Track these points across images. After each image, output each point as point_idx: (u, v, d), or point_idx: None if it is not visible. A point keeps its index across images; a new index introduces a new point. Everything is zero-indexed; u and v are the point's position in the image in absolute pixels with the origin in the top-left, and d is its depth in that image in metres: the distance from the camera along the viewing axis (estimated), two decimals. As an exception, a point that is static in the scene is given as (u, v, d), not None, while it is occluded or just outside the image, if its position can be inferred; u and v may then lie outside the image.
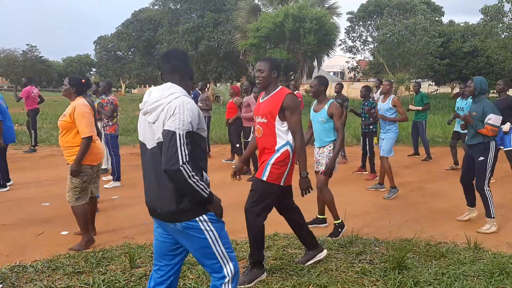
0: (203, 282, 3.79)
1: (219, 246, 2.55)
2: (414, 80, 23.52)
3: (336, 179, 7.58)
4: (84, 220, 4.61)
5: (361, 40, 37.89)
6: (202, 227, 2.48)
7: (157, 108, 2.45)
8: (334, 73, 69.50)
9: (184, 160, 2.32)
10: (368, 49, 38.07)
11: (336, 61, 55.12)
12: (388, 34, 27.21)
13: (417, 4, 32.53)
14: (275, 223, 4.97)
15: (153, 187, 2.53)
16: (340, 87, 9.52)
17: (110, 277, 3.82)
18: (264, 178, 3.73)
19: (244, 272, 3.80)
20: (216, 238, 2.52)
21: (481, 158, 5.25)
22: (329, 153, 4.98)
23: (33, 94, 11.45)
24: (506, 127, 7.11)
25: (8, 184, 7.38)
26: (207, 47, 31.93)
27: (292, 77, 27.04)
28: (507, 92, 7.60)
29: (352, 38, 38.14)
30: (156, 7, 43.10)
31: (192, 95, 13.17)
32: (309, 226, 5.32)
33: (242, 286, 3.66)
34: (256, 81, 3.89)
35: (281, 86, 3.86)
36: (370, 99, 8.55)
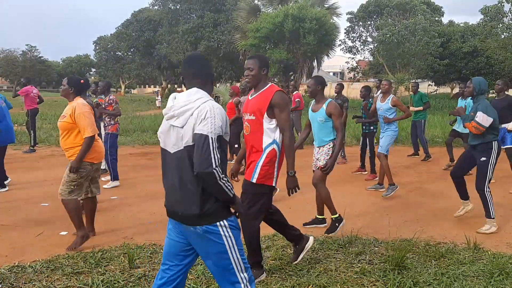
0: (202, 283, 3.79)
1: (235, 253, 2.54)
2: (413, 80, 23.52)
3: (336, 179, 7.59)
4: (76, 215, 4.60)
5: (361, 40, 37.93)
6: (222, 232, 2.49)
7: (185, 113, 2.48)
8: (334, 73, 69.55)
9: (217, 164, 2.39)
10: (368, 49, 38.12)
11: (336, 61, 55.11)
12: (388, 34, 27.22)
13: (417, 4, 32.56)
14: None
15: (176, 190, 2.55)
16: (340, 87, 9.52)
17: (109, 278, 3.81)
18: (254, 180, 3.67)
19: None
20: (233, 245, 2.53)
21: (483, 158, 5.24)
22: (329, 151, 4.98)
23: (32, 94, 11.41)
24: (510, 125, 7.14)
25: (5, 182, 7.37)
26: (207, 47, 31.96)
27: (292, 77, 27.05)
28: (506, 92, 7.59)
29: (352, 38, 38.19)
30: (155, 7, 43.14)
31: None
32: (308, 226, 5.35)
33: None
34: (246, 79, 3.83)
35: (270, 83, 3.78)
36: (370, 99, 8.54)
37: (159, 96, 36.09)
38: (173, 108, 2.52)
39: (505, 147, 7.47)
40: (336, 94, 9.44)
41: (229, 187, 2.45)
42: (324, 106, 4.99)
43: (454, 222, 5.70)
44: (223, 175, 2.42)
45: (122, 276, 3.86)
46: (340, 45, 37.97)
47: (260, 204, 3.73)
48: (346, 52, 39.21)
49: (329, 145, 5.01)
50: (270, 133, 3.68)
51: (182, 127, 2.47)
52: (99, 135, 5.67)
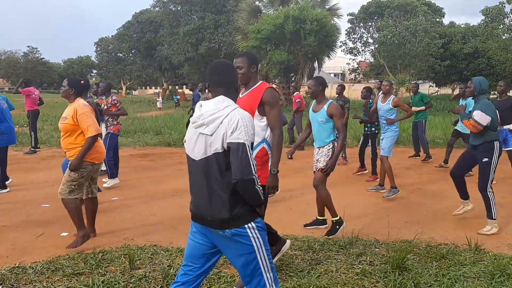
0: (202, 284, 3.78)
1: (263, 254, 2.59)
2: (414, 81, 23.52)
3: (337, 180, 7.59)
4: (76, 214, 4.60)
5: (362, 42, 37.94)
6: (250, 234, 2.54)
7: (214, 121, 2.51)
8: (335, 74, 69.57)
9: (255, 169, 2.45)
10: (368, 50, 38.14)
11: (336, 62, 55.14)
12: (388, 35, 27.25)
13: (417, 5, 32.58)
14: (276, 225, 4.96)
15: (203, 196, 2.58)
16: (341, 88, 9.51)
17: (109, 279, 3.81)
18: None
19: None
20: (261, 245, 2.58)
21: (486, 159, 5.24)
22: (328, 152, 4.97)
23: (34, 95, 11.44)
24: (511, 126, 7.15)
25: (7, 182, 7.38)
26: (208, 48, 32.01)
27: (293, 79, 27.07)
28: (508, 94, 7.58)
29: (353, 39, 38.21)
30: (156, 8, 43.26)
31: (192, 96, 13.12)
32: (308, 227, 5.34)
33: None
34: None
35: (261, 81, 3.74)
36: (371, 100, 8.54)
37: (160, 98, 36.12)
38: (202, 117, 2.55)
39: (507, 149, 7.46)
40: (337, 95, 9.43)
41: (262, 191, 2.53)
42: (325, 107, 4.98)
43: (455, 223, 5.69)
44: (258, 180, 2.49)
45: (123, 277, 3.85)
46: (341, 46, 38.06)
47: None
48: (347, 53, 39.26)
49: (329, 146, 5.01)
50: (260, 132, 3.61)
51: (212, 134, 2.51)
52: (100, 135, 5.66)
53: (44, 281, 3.78)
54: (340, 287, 3.72)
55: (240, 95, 3.80)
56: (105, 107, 7.59)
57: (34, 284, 3.74)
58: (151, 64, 47.77)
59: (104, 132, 7.60)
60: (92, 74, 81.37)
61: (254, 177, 2.44)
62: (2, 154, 7.29)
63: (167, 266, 4.08)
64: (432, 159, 10.40)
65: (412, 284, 3.74)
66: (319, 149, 5.10)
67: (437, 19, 35.48)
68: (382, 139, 7.12)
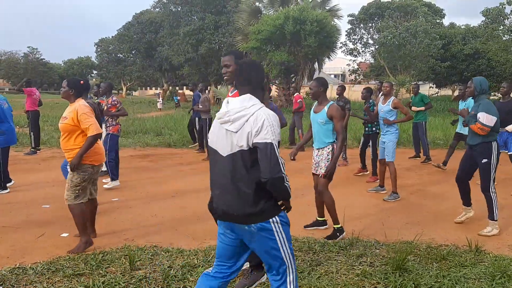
0: (203, 285, 3.78)
1: (286, 248, 2.67)
2: (414, 82, 23.52)
3: (337, 181, 7.57)
4: (81, 220, 4.60)
5: (362, 43, 37.90)
6: (274, 229, 2.61)
7: (240, 118, 2.56)
8: (335, 75, 69.54)
9: (284, 167, 2.53)
10: (369, 51, 38.10)
11: (337, 63, 55.17)
12: (389, 36, 27.24)
13: (418, 6, 32.57)
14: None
15: (228, 192, 2.63)
16: (342, 89, 9.51)
17: (110, 279, 3.81)
18: None
19: (244, 275, 3.80)
20: (284, 240, 2.65)
21: (485, 160, 5.23)
22: (328, 155, 4.97)
23: (35, 96, 11.49)
24: (510, 127, 7.14)
25: (9, 184, 7.38)
26: (208, 49, 32.02)
27: (293, 80, 27.08)
28: (511, 95, 7.56)
29: (353, 40, 38.17)
30: (157, 9, 43.28)
31: (193, 97, 13.14)
32: (309, 228, 5.34)
33: None
34: (224, 77, 3.73)
35: None
36: (371, 101, 8.54)
37: (161, 98, 36.13)
38: (228, 114, 2.60)
39: (510, 153, 7.45)
40: (337, 96, 9.44)
41: (289, 187, 2.60)
42: (326, 108, 4.98)
43: (455, 225, 5.69)
44: (286, 176, 2.56)
45: (123, 278, 3.85)
46: (341, 47, 38.00)
47: None
48: (347, 54, 39.21)
49: (329, 148, 5.00)
50: None
51: (237, 131, 2.56)
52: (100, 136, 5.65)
53: (45, 282, 3.78)
54: (341, 288, 3.71)
55: (229, 94, 3.74)
56: (105, 107, 7.59)
57: (34, 284, 3.73)
58: (151, 64, 47.77)
59: (104, 133, 7.60)
60: (93, 74, 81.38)
61: (283, 175, 2.51)
62: (3, 154, 7.29)
63: (168, 267, 4.07)
64: (432, 160, 10.40)
65: (413, 285, 3.74)
66: (319, 151, 5.10)
67: (437, 20, 35.47)
68: (383, 142, 7.10)
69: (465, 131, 8.45)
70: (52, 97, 51.51)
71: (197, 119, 11.66)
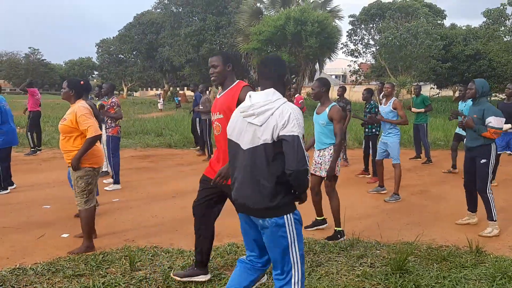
0: (204, 286, 3.78)
1: (295, 249, 2.67)
2: (416, 83, 23.49)
3: (338, 182, 7.56)
4: (89, 224, 4.61)
5: (363, 43, 37.90)
6: (287, 226, 2.62)
7: (265, 112, 2.59)
8: (336, 76, 69.53)
9: (308, 160, 2.57)
10: (370, 52, 38.08)
11: (338, 64, 55.16)
12: (390, 37, 27.22)
13: (419, 7, 32.56)
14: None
15: (247, 184, 2.66)
16: (342, 90, 9.51)
17: (110, 280, 3.81)
18: None
19: None
20: (294, 240, 2.66)
21: (483, 160, 5.23)
22: (330, 157, 4.97)
23: (37, 96, 11.56)
24: (506, 126, 7.14)
25: (11, 188, 7.39)
26: (209, 50, 31.99)
27: (294, 80, 27.05)
28: None
29: (354, 41, 38.17)
30: (158, 10, 43.26)
31: (194, 97, 13.16)
32: (310, 229, 5.33)
33: None
34: (211, 77, 3.67)
35: (238, 81, 3.65)
36: (371, 102, 8.53)
37: (161, 99, 36.14)
38: (253, 107, 2.63)
39: None
40: (338, 97, 9.43)
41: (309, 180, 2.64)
42: (327, 109, 4.98)
43: (456, 225, 5.67)
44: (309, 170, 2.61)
45: (123, 279, 3.85)
46: (342, 48, 37.96)
47: None
48: (348, 55, 39.20)
49: (330, 150, 5.00)
50: None
51: (261, 125, 2.58)
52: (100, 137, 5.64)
53: (45, 283, 3.77)
54: (341, 289, 3.71)
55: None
56: (106, 108, 7.60)
57: (34, 285, 3.73)
58: (152, 65, 47.78)
59: (104, 135, 7.60)
60: (94, 75, 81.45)
61: (308, 167, 2.55)
62: (4, 155, 7.31)
63: (168, 268, 4.07)
64: (433, 162, 10.39)
65: (413, 286, 3.73)
66: (320, 152, 5.10)
67: (439, 21, 35.45)
68: (385, 143, 7.08)
69: (463, 131, 8.43)
70: (53, 97, 51.56)
71: (197, 119, 11.66)
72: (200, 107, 10.80)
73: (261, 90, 2.73)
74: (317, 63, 27.54)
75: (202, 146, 11.42)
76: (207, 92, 12.36)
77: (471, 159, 5.39)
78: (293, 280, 2.68)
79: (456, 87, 36.67)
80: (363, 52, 38.35)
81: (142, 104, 40.77)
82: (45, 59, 79.74)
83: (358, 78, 43.12)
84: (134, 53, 51.58)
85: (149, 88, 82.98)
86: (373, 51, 37.19)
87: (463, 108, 8.46)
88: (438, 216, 6.12)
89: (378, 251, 4.60)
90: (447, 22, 39.45)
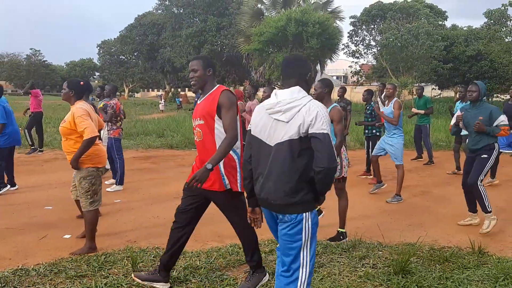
0: (205, 287, 3.78)
1: (307, 248, 2.69)
2: (417, 84, 23.48)
3: (339, 183, 7.57)
4: (92, 225, 4.61)
5: (364, 44, 37.87)
6: (304, 224, 2.66)
7: (292, 109, 2.64)
8: (337, 77, 69.50)
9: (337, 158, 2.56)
10: (371, 53, 38.04)
11: (339, 65, 55.11)
12: (391, 38, 27.19)
13: (420, 8, 32.53)
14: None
15: (270, 180, 2.69)
16: (343, 91, 9.51)
17: (112, 281, 3.81)
18: (228, 187, 3.51)
19: (246, 278, 3.79)
20: (308, 239, 2.68)
21: (484, 156, 5.24)
22: None
23: (40, 97, 11.63)
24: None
25: (12, 189, 7.40)
26: (210, 51, 31.99)
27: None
28: None
29: (355, 42, 38.13)
30: (159, 11, 43.29)
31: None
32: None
33: None
34: (191, 82, 3.61)
35: (218, 85, 3.60)
36: (372, 103, 8.53)
37: (163, 100, 36.14)
38: (280, 104, 2.68)
39: None
40: (338, 98, 9.43)
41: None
42: (328, 110, 4.97)
43: (458, 226, 5.67)
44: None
45: (126, 280, 3.85)
46: (343, 49, 37.91)
47: (239, 210, 3.61)
48: (349, 56, 39.16)
49: None
50: (223, 137, 3.45)
51: (288, 121, 2.62)
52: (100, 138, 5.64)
53: (47, 284, 3.78)
54: (343, 290, 3.70)
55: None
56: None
57: (37, 286, 3.74)
58: (154, 66, 47.82)
59: (106, 136, 7.60)
60: (95, 76, 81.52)
61: (337, 165, 2.61)
62: (7, 154, 7.33)
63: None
64: (435, 164, 10.37)
65: (416, 287, 3.73)
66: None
67: (440, 22, 35.42)
68: (387, 143, 7.07)
69: (464, 132, 8.42)
70: (55, 99, 51.63)
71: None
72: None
73: (284, 88, 2.77)
74: (318, 64, 27.49)
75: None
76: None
77: (473, 160, 5.39)
78: (299, 280, 2.68)
79: (458, 88, 36.65)
80: (364, 53, 38.33)
81: (143, 105, 40.79)
82: (46, 60, 79.80)
83: (359, 79, 43.10)
84: (135, 54, 51.62)
85: (150, 89, 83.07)
86: (374, 52, 37.16)
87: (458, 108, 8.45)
88: (440, 217, 6.11)
89: (380, 252, 4.60)
90: (447, 23, 39.42)
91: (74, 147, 4.52)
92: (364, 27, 36.98)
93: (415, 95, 11.34)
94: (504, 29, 25.91)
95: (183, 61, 35.25)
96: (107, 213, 6.12)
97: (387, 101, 7.33)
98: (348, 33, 38.34)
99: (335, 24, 25.95)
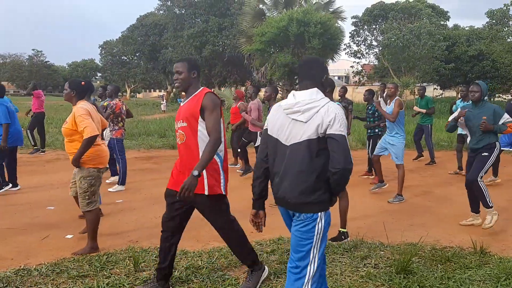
0: (207, 286, 3.78)
1: (317, 247, 2.73)
2: (419, 84, 23.45)
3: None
4: (94, 225, 4.61)
5: (366, 44, 37.87)
6: (317, 224, 2.71)
7: (310, 110, 2.69)
8: (339, 77, 69.46)
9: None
10: (373, 53, 38.04)
11: (341, 65, 55.05)
12: (393, 38, 27.20)
13: (422, 8, 32.50)
14: (279, 228, 4.95)
15: (287, 179, 2.73)
16: (344, 91, 9.51)
17: (114, 281, 3.82)
18: (206, 192, 3.45)
19: (246, 278, 3.79)
20: (319, 238, 2.73)
21: (485, 153, 5.25)
22: None
23: (42, 98, 11.65)
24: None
25: (14, 189, 7.42)
26: (212, 51, 32.05)
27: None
28: None
29: (357, 42, 38.13)
30: (161, 12, 43.39)
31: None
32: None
33: None
34: (175, 83, 3.59)
35: (202, 87, 3.59)
36: (373, 103, 8.53)
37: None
38: (298, 105, 2.72)
39: None
40: (340, 97, 9.43)
41: None
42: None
43: (460, 226, 5.66)
44: None
45: (128, 280, 3.86)
46: (345, 49, 37.93)
47: (223, 214, 3.59)
48: (351, 56, 39.17)
49: None
50: (206, 140, 3.41)
51: (306, 122, 2.68)
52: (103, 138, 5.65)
53: (49, 284, 3.79)
54: (345, 290, 3.70)
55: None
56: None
57: (39, 286, 3.75)
58: (155, 67, 47.87)
59: (108, 136, 7.61)
60: (97, 77, 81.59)
61: (352, 166, 2.65)
62: (9, 154, 7.35)
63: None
64: (437, 164, 10.36)
65: (417, 287, 3.73)
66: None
67: (442, 22, 35.39)
68: (388, 142, 7.07)
69: (460, 130, 8.40)
70: (57, 99, 51.68)
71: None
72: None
73: (300, 90, 2.81)
74: (320, 64, 27.47)
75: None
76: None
77: (474, 158, 5.39)
78: (307, 277, 2.72)
79: (460, 88, 36.60)
80: (366, 53, 38.34)
81: (145, 106, 40.81)
82: (49, 61, 79.89)
83: (361, 79, 43.08)
84: (137, 54, 51.71)
85: (152, 90, 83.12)
86: (376, 52, 37.16)
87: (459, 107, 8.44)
88: (441, 217, 6.11)
89: (382, 252, 4.60)
90: (450, 23, 39.36)
91: (77, 148, 4.52)
92: (366, 27, 36.99)
93: (417, 95, 11.33)
94: (506, 29, 25.90)
95: (184, 62, 35.26)
96: (109, 213, 6.13)
97: (388, 100, 7.32)
98: (350, 33, 38.39)
99: (336, 24, 25.96)
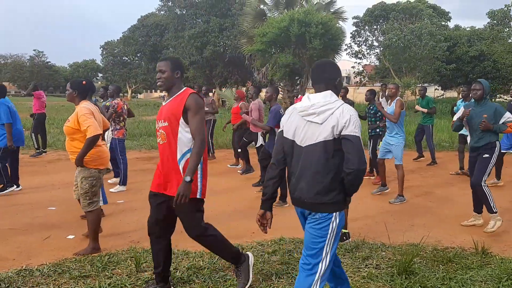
0: (209, 287, 3.78)
1: (329, 246, 2.78)
2: (420, 85, 23.44)
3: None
4: (95, 226, 4.62)
5: (367, 45, 37.88)
6: (331, 224, 2.76)
7: (325, 112, 2.74)
8: (340, 77, 69.41)
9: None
10: (374, 53, 38.06)
11: (342, 65, 54.73)
12: (394, 38, 27.20)
13: (423, 8, 32.50)
14: (281, 228, 4.97)
15: (303, 179, 2.78)
16: (345, 91, 9.52)
17: (116, 281, 3.82)
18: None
19: (237, 277, 3.77)
20: (332, 238, 2.78)
21: (486, 155, 5.23)
22: None
23: (43, 99, 11.64)
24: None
25: (16, 189, 7.43)
26: (213, 52, 32.04)
27: (298, 82, 27.07)
28: None
29: (358, 42, 38.15)
30: (162, 12, 43.41)
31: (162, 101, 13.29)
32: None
33: (247, 287, 3.68)
34: (158, 83, 3.55)
35: (185, 87, 3.57)
36: (375, 103, 8.52)
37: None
38: (314, 107, 2.77)
39: None
40: (341, 98, 9.43)
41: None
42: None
43: (461, 227, 5.66)
44: None
45: (129, 280, 3.86)
46: (346, 49, 37.96)
47: (197, 218, 3.53)
48: (352, 57, 39.20)
49: None
50: (187, 142, 3.39)
51: (322, 123, 2.73)
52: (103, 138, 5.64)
53: (51, 284, 3.79)
54: (346, 291, 3.70)
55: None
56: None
57: (41, 286, 3.75)
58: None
59: (110, 136, 7.61)
60: (98, 77, 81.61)
61: (366, 167, 2.69)
62: (11, 154, 7.36)
63: (173, 269, 4.08)
64: (438, 164, 10.35)
65: (419, 287, 3.72)
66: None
67: (443, 23, 35.38)
68: (389, 143, 7.08)
69: (464, 131, 8.39)
70: (58, 100, 51.70)
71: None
72: (206, 108, 10.83)
73: (315, 92, 2.86)
74: (321, 65, 27.46)
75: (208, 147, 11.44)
76: (210, 94, 12.41)
77: (476, 159, 5.39)
78: (318, 274, 2.76)
79: (461, 88, 36.54)
80: (367, 53, 38.36)
81: (146, 106, 40.82)
82: (50, 62, 79.92)
83: (362, 79, 43.09)
84: (138, 55, 51.74)
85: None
86: (377, 52, 37.18)
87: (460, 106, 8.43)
88: (443, 218, 6.10)
89: (383, 253, 4.59)
90: (451, 24, 39.36)
91: (78, 147, 4.54)
92: (367, 27, 37.02)
93: (418, 95, 11.32)
94: (507, 29, 25.90)
95: (185, 62, 35.28)
96: (111, 213, 6.14)
97: (389, 100, 7.32)
98: (351, 33, 38.43)
99: (338, 24, 25.93)
